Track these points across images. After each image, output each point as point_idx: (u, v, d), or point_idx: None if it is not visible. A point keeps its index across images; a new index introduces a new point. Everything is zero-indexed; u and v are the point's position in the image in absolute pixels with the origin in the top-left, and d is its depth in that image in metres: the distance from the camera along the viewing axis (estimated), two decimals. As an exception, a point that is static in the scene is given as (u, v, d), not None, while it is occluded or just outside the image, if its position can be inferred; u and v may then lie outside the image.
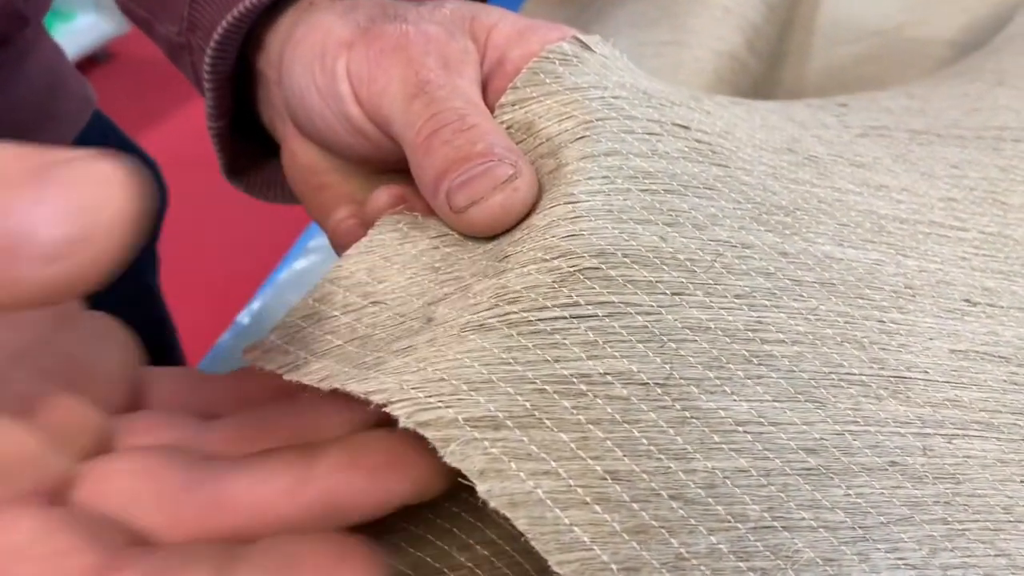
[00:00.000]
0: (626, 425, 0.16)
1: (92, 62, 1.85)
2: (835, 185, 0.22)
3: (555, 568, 0.15)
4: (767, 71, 0.46)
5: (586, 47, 0.22)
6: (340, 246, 0.24)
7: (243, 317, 0.40)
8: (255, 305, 0.41)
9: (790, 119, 0.26)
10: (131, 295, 0.48)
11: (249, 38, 0.26)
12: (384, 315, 0.18)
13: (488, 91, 0.22)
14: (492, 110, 0.22)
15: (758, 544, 0.15)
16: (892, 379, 0.17)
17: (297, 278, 0.47)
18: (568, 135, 0.20)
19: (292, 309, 0.19)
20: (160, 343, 0.51)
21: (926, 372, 0.18)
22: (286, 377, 0.17)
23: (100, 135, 0.46)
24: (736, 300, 0.18)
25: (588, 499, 0.15)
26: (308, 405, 0.17)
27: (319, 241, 0.51)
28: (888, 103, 0.29)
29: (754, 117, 0.24)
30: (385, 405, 0.15)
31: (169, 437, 0.16)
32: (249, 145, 0.29)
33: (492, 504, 0.15)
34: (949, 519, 0.16)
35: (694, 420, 0.16)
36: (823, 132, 0.25)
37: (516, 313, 0.17)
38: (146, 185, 0.12)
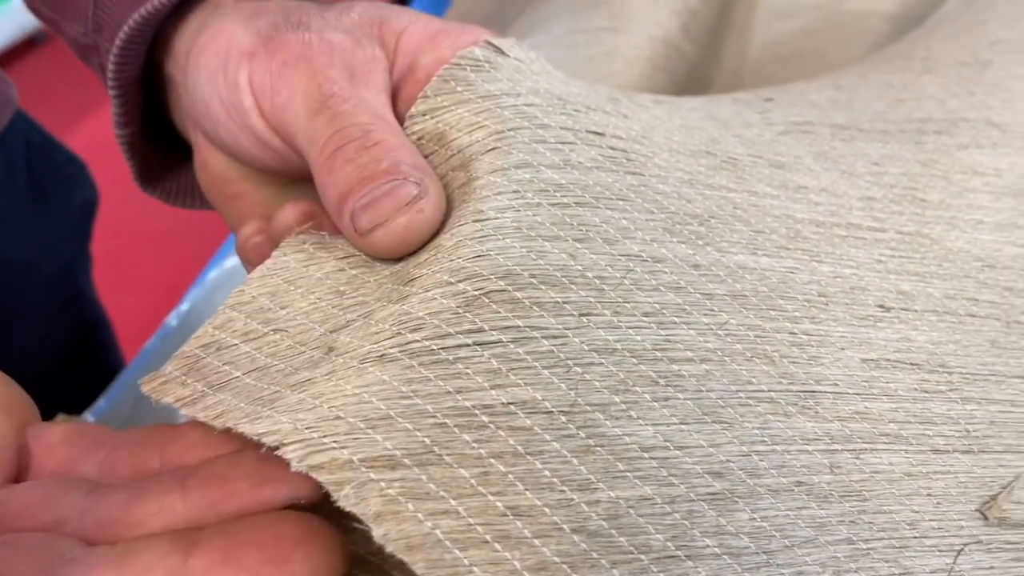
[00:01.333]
0: (529, 457, 0.15)
1: (31, 44, 1.79)
2: (752, 189, 0.21)
3: None
4: (704, 53, 0.46)
5: (499, 51, 0.21)
6: (248, 263, 0.23)
7: (171, 319, 0.39)
8: (184, 307, 0.40)
9: (713, 118, 0.25)
10: (65, 298, 0.46)
11: (156, 41, 0.25)
12: (284, 344, 0.17)
13: (399, 99, 0.21)
14: (403, 120, 0.21)
15: (660, 575, 0.15)
16: (801, 394, 0.17)
17: (228, 276, 0.46)
18: (479, 146, 0.20)
19: (192, 337, 0.18)
20: (96, 345, 0.50)
21: (836, 384, 0.18)
22: (183, 412, 0.17)
23: (22, 136, 0.45)
24: (645, 318, 0.17)
25: (488, 537, 0.14)
26: (207, 467, 0.16)
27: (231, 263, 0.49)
28: (815, 96, 0.29)
29: (674, 118, 0.24)
30: (277, 448, 0.15)
31: (51, 512, 0.15)
32: (162, 152, 0.28)
33: (389, 548, 0.14)
34: (854, 538, 0.16)
35: (599, 448, 0.16)
36: (745, 131, 0.24)
37: (418, 342, 0.16)
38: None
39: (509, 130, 0.19)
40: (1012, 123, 0.28)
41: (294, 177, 0.23)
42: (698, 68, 0.44)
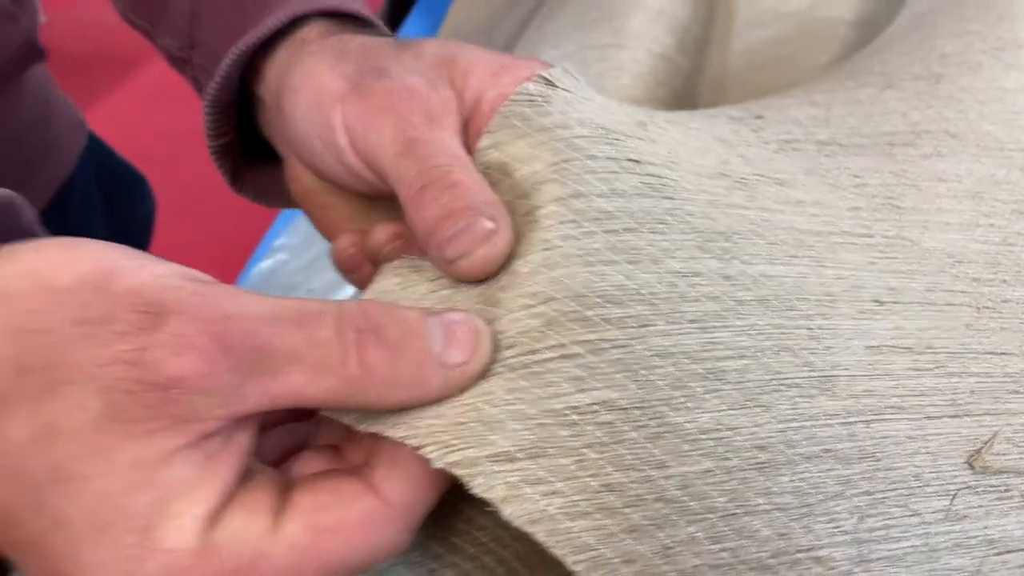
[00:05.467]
0: (613, 445, 0.18)
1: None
2: (762, 206, 0.24)
3: (571, 568, 0.17)
4: (694, 65, 0.49)
5: (551, 84, 0.24)
6: (344, 271, 0.26)
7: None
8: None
9: (717, 138, 0.28)
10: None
11: (246, 65, 0.27)
12: None
13: (468, 132, 0.24)
14: (472, 151, 0.24)
15: (726, 529, 0.18)
16: (821, 379, 0.20)
17: (264, 280, 0.47)
18: (538, 177, 0.22)
19: None
20: None
21: (847, 369, 0.21)
22: (336, 418, 0.19)
23: (95, 158, 0.46)
24: (690, 325, 0.20)
25: (589, 509, 0.17)
26: None
27: (284, 240, 0.51)
28: (796, 112, 0.32)
29: (689, 140, 0.27)
30: (418, 448, 0.18)
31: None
32: (250, 157, 0.30)
33: (515, 523, 0.17)
34: (872, 491, 0.19)
35: (667, 434, 0.19)
36: (746, 151, 0.28)
37: (514, 357, 0.19)
38: None
39: (563, 161, 0.22)
40: (966, 132, 0.31)
41: (375, 196, 0.25)
42: (690, 79, 0.47)
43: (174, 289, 0.17)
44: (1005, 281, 0.25)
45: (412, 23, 0.70)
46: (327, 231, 0.27)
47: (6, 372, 0.16)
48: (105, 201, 0.44)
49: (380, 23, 0.28)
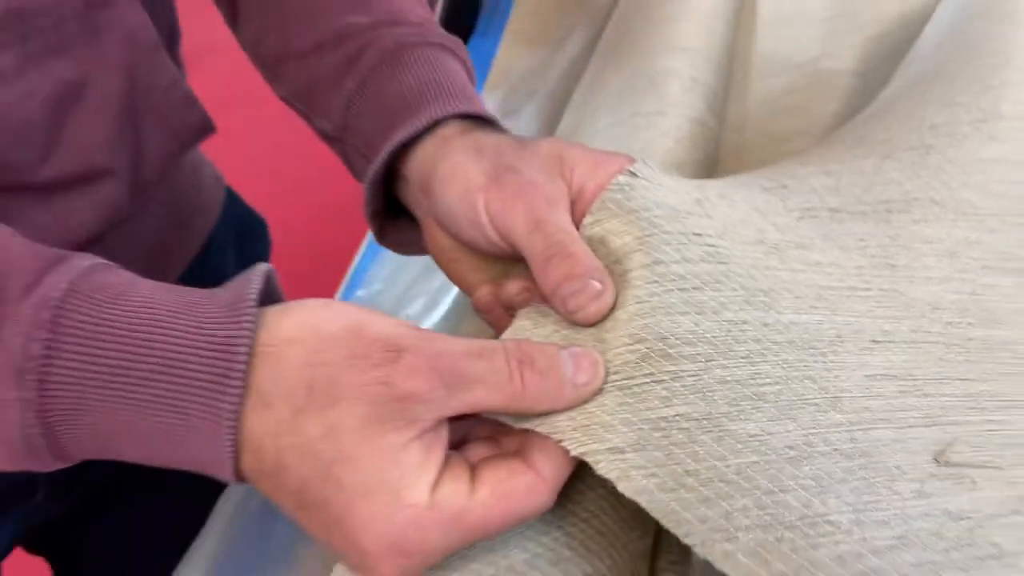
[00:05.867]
0: (690, 444, 0.26)
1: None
2: (791, 267, 0.33)
3: (664, 525, 0.25)
4: (721, 123, 0.57)
5: (634, 175, 0.32)
6: (480, 311, 0.34)
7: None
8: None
9: (755, 209, 0.36)
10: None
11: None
12: None
13: (575, 211, 0.31)
14: (578, 226, 0.32)
15: (767, 500, 0.26)
16: (832, 399, 0.29)
17: (367, 305, 0.56)
18: (628, 247, 0.30)
19: None
20: None
21: (850, 392, 0.29)
22: (503, 420, 0.28)
23: (232, 209, 0.54)
24: (741, 360, 0.29)
25: (675, 487, 0.26)
26: None
27: (375, 272, 0.59)
28: (813, 182, 0.40)
29: (734, 213, 0.35)
30: (560, 441, 0.26)
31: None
32: (392, 214, 0.38)
33: (627, 495, 0.25)
34: (867, 477, 0.27)
35: (726, 437, 0.27)
36: (776, 219, 0.36)
37: (619, 380, 0.27)
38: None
39: (646, 236, 0.30)
40: (947, 199, 0.39)
41: (497, 256, 0.33)
42: (718, 134, 0.56)
43: (404, 336, 0.25)
44: (971, 324, 0.33)
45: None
46: (454, 277, 0.35)
47: (301, 391, 0.24)
48: (236, 242, 0.52)
49: (498, 120, 0.36)
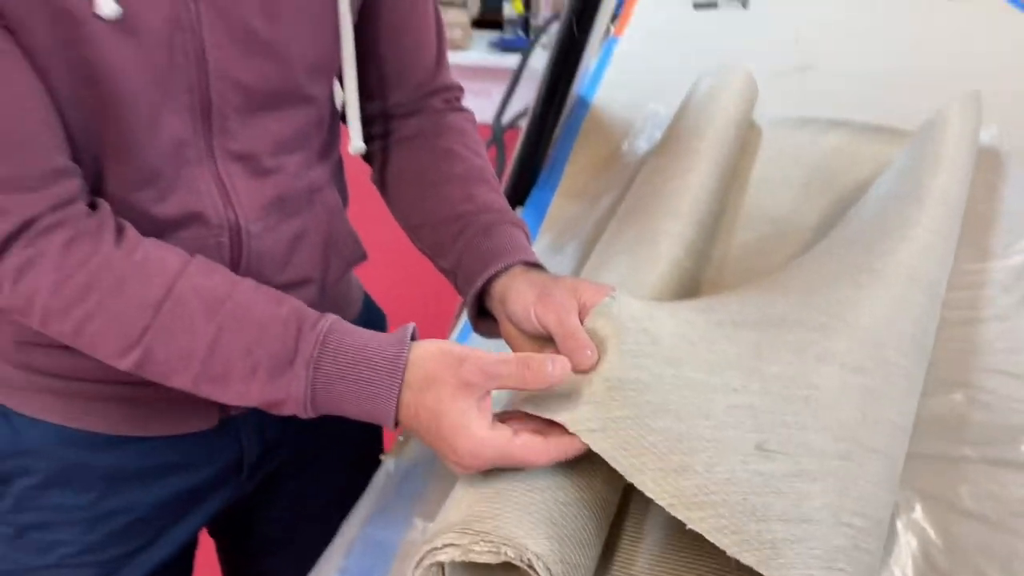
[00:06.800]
0: (627, 430, 0.54)
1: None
2: (698, 349, 0.60)
3: (608, 461, 0.52)
4: (694, 265, 0.85)
5: (614, 298, 0.60)
6: None
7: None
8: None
9: (686, 320, 0.64)
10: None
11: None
12: (547, 396, 0.56)
13: (581, 315, 0.58)
14: (583, 322, 0.60)
15: (654, 440, 0.53)
16: (705, 414, 0.55)
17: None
18: (606, 335, 0.57)
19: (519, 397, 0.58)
20: None
21: (716, 413, 0.55)
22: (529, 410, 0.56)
23: (364, 303, 0.85)
24: (661, 391, 0.56)
25: (616, 446, 0.53)
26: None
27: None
28: (729, 305, 0.67)
29: (671, 320, 0.63)
30: (564, 423, 0.53)
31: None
32: (480, 315, 0.67)
33: (594, 449, 0.52)
34: (719, 449, 0.53)
35: (646, 426, 0.54)
36: (698, 326, 0.63)
37: (595, 399, 0.55)
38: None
39: (616, 330, 0.58)
40: (807, 320, 0.66)
41: (539, 337, 0.61)
42: (692, 273, 0.84)
43: (469, 353, 0.54)
44: (800, 387, 0.59)
45: (527, 214, 1.09)
46: (515, 349, 0.64)
47: (423, 381, 0.53)
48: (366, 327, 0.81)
49: (543, 264, 0.66)
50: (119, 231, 0.55)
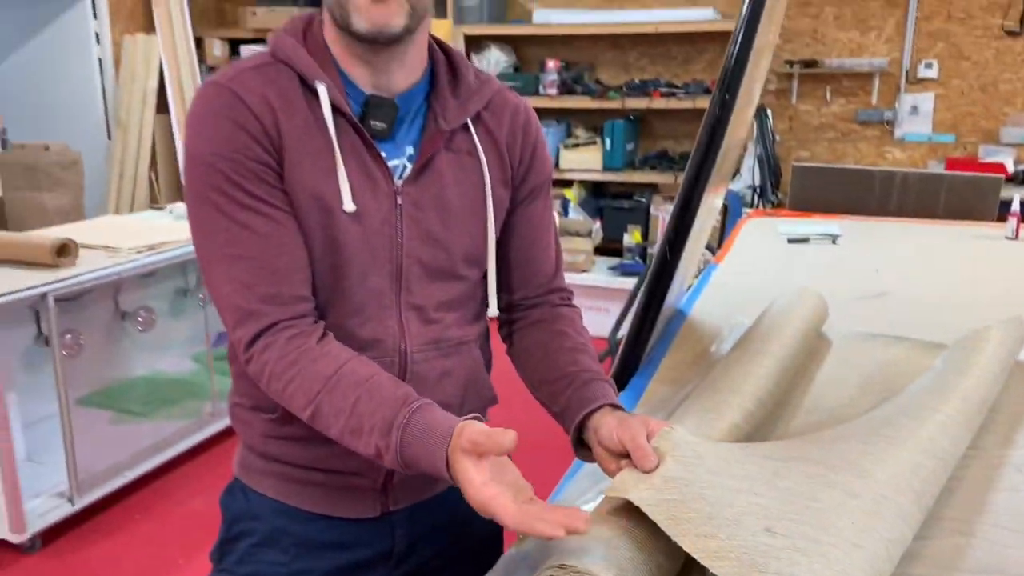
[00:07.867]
0: (675, 505, 0.76)
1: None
2: (736, 475, 0.82)
3: (662, 527, 0.74)
4: (751, 428, 1.06)
5: (673, 429, 0.84)
6: (611, 475, 0.86)
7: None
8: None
9: (729, 450, 0.87)
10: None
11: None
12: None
13: (649, 437, 0.83)
14: (650, 441, 0.84)
15: (699, 507, 0.74)
16: (745, 504, 0.76)
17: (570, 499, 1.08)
18: (665, 451, 0.80)
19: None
20: None
21: (759, 500, 0.76)
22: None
23: None
24: (700, 487, 0.78)
25: (667, 515, 0.75)
26: None
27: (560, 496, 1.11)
28: (775, 451, 0.89)
29: (719, 450, 0.85)
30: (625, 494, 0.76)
31: None
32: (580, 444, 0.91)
33: (648, 515, 0.75)
34: (741, 522, 0.74)
35: (692, 507, 0.76)
36: (746, 460, 0.86)
37: (655, 484, 0.77)
38: None
39: (673, 448, 0.81)
40: (838, 465, 0.86)
41: (621, 455, 0.86)
42: (747, 432, 1.05)
43: (470, 427, 0.76)
44: (816, 500, 0.80)
45: (625, 396, 1.34)
46: (602, 465, 0.88)
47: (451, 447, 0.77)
48: None
49: (623, 406, 0.91)
50: (323, 336, 0.85)
